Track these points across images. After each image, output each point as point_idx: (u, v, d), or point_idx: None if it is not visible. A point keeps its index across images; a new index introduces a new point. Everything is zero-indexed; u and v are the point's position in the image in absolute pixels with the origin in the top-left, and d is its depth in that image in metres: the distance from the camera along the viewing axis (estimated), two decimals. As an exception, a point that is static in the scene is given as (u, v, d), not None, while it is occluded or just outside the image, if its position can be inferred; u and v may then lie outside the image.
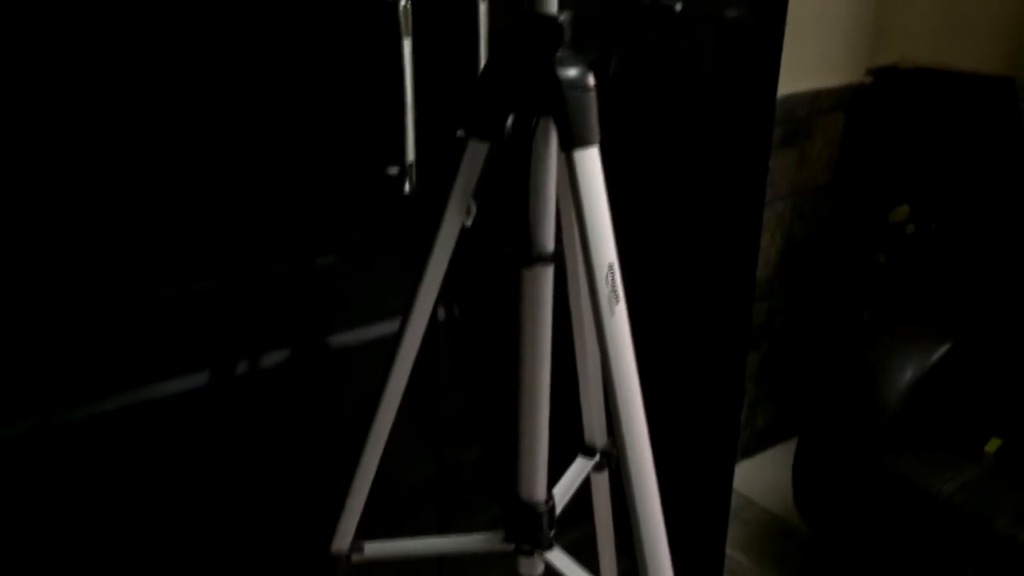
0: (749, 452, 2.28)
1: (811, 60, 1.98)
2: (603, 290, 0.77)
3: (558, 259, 0.87)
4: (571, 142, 0.76)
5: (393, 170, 1.02)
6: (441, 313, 1.14)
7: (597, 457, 1.07)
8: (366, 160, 1.02)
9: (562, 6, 0.77)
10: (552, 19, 0.76)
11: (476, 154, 0.81)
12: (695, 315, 1.49)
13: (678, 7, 0.78)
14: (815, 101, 2.01)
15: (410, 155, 1.01)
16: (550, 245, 0.85)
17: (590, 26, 0.80)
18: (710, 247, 1.45)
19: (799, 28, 1.86)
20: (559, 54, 0.76)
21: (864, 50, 2.10)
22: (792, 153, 2.02)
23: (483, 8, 0.98)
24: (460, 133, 1.04)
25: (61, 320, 0.88)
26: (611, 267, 0.77)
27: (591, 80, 0.77)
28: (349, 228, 1.04)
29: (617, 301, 0.78)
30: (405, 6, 0.94)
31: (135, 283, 0.91)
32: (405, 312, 0.90)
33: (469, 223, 1.04)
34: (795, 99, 1.96)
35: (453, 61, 1.01)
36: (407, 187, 1.02)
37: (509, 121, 0.80)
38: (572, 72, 0.76)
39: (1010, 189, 1.96)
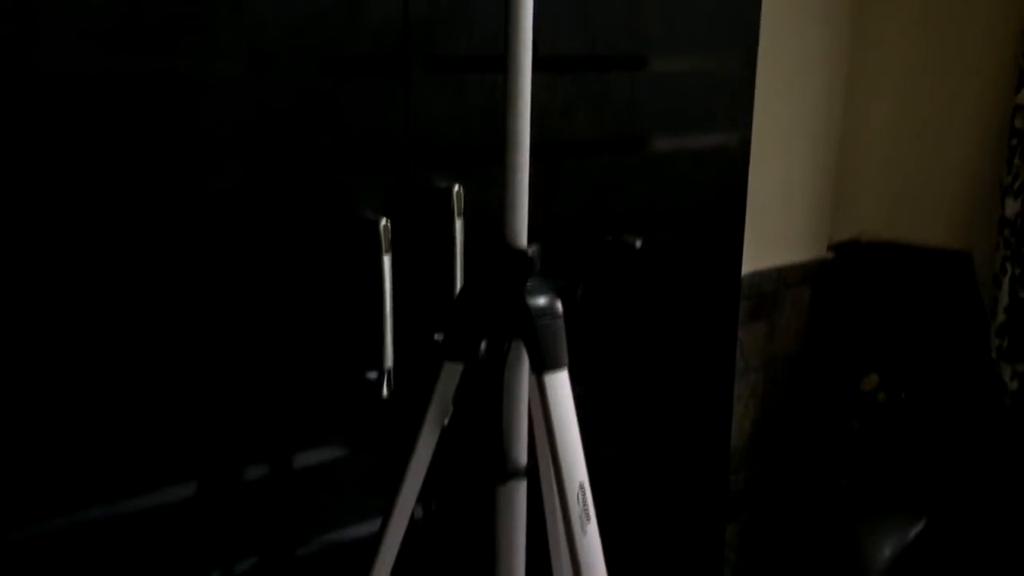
0: (733, 626, 2.23)
1: (775, 238, 2.07)
2: (575, 509, 0.80)
3: (531, 471, 0.89)
4: (542, 366, 0.80)
5: (372, 375, 1.06)
6: (418, 512, 1.15)
7: (575, 661, 1.06)
8: (347, 364, 1.05)
9: (531, 240, 0.83)
10: (522, 252, 0.82)
11: (451, 375, 0.85)
12: (672, 487, 1.50)
13: (638, 244, 0.84)
14: (781, 276, 2.09)
15: (388, 361, 1.04)
16: (523, 460, 0.88)
17: (557, 256, 0.86)
18: (684, 420, 1.48)
19: (761, 208, 1.96)
20: (529, 283, 0.81)
21: (825, 226, 2.20)
22: (762, 326, 2.08)
23: (459, 224, 1.04)
24: (437, 337, 1.08)
25: (30, 535, 0.88)
26: (582, 486, 0.80)
27: (559, 307, 0.82)
28: (329, 429, 1.06)
29: (588, 520, 0.80)
30: (385, 225, 1.00)
31: (107, 486, 0.92)
32: (385, 514, 0.91)
33: (447, 422, 1.06)
34: (762, 275, 2.04)
35: (431, 273, 1.06)
36: (385, 391, 1.05)
37: (483, 344, 0.84)
38: (541, 300, 0.81)
39: (972, 364, 2.01)
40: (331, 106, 0.98)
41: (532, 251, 0.81)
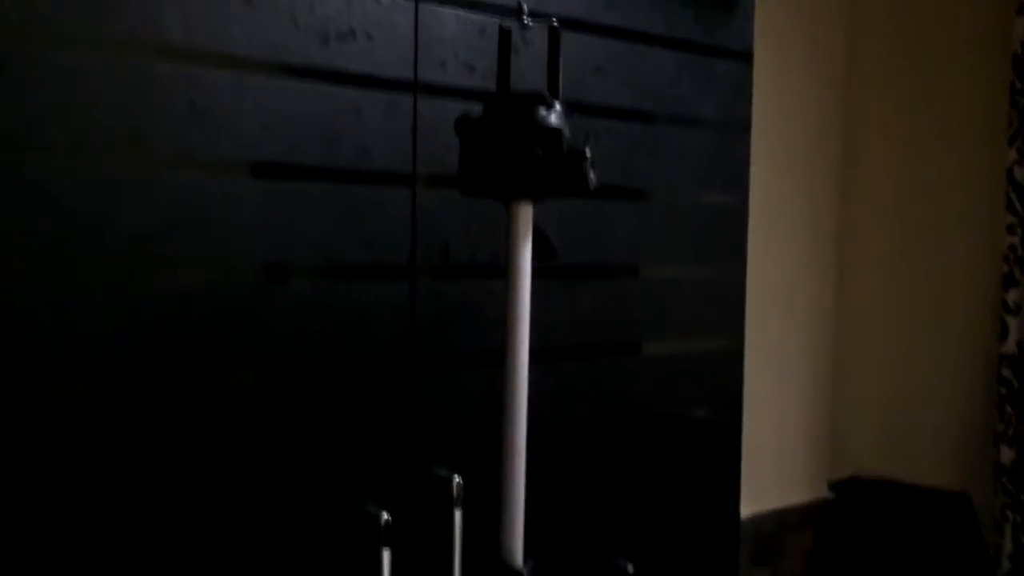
0: None
1: (772, 479, 2.08)
2: None
3: None
4: None
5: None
6: None
7: None
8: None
9: (527, 555, 0.86)
10: (519, 572, 0.84)
11: None
12: None
13: (630, 569, 0.88)
14: (781, 519, 2.09)
15: (386, 653, 1.04)
16: None
17: (554, 570, 0.88)
18: None
19: (757, 450, 1.99)
20: (525, 598, 0.84)
21: (823, 465, 2.22)
22: (765, 571, 2.06)
23: (458, 515, 1.07)
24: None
25: None
26: None
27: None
28: None
29: None
30: (386, 520, 1.03)
31: None
32: None
33: None
34: (762, 518, 2.04)
35: (430, 564, 1.08)
36: None
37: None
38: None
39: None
40: (338, 404, 1.03)
41: (527, 570, 0.84)
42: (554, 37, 0.86)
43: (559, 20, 0.97)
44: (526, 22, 0.86)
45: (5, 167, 0.84)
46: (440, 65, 1.08)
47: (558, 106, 0.83)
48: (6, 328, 0.84)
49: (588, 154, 0.79)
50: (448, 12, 1.07)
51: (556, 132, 0.80)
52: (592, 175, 0.79)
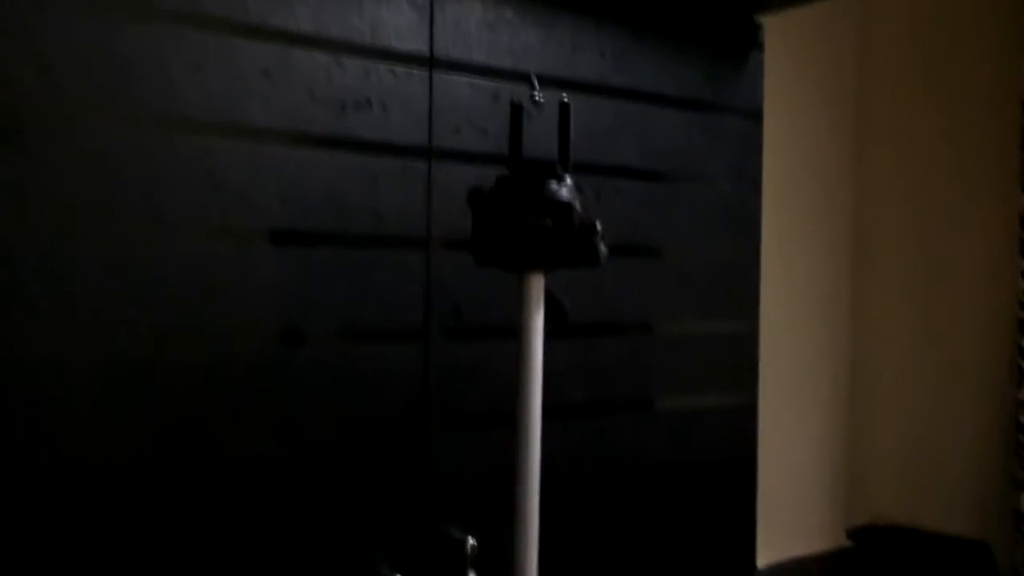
0: None
1: (790, 528, 2.07)
2: None
3: None
4: None
5: None
6: None
7: None
8: None
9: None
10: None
11: None
12: None
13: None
14: (800, 568, 2.06)
15: None
16: None
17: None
18: None
19: (775, 499, 1.98)
20: None
21: (840, 512, 2.20)
22: (783, 621, 2.03)
23: (472, 577, 1.08)
24: None
25: None
26: None
27: None
28: None
29: None
30: (398, 581, 1.04)
31: None
32: None
33: None
34: (780, 568, 2.02)
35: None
36: None
37: None
38: None
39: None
40: (352, 465, 1.04)
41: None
42: (564, 112, 0.87)
43: (570, 83, 0.99)
44: (537, 98, 0.87)
45: (25, 235, 0.86)
46: (454, 131, 1.10)
47: (568, 179, 0.84)
48: (22, 394, 0.85)
49: (599, 227, 0.80)
50: (462, 80, 1.10)
51: (567, 206, 0.81)
52: (603, 247, 0.81)
